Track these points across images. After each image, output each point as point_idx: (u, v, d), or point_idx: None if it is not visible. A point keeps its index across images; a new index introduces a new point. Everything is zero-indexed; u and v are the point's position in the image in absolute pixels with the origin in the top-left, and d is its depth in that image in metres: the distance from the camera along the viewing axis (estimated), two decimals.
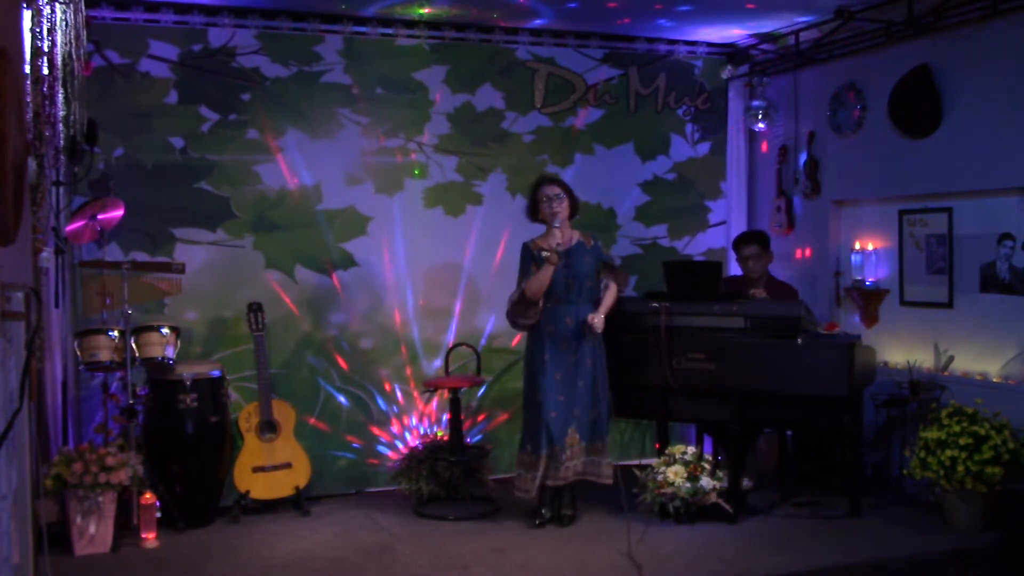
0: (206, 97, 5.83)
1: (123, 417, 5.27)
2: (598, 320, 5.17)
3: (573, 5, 5.81)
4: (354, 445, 6.14)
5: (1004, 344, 5.35)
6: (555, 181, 5.35)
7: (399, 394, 6.25)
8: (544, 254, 5.08)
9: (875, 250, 6.18)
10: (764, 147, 7.03)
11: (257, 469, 5.50)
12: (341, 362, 6.13)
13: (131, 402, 5.22)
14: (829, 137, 6.41)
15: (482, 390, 6.37)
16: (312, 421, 6.03)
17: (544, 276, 5.11)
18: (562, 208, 5.18)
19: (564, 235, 5.18)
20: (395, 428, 6.24)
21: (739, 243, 6.21)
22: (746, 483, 5.56)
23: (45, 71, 3.33)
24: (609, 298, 5.30)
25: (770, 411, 5.41)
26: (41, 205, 4.00)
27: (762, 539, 4.99)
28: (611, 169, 6.74)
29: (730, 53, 6.97)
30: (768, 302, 5.75)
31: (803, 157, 6.56)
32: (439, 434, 6.17)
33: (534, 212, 5.30)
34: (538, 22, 6.31)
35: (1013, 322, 5.29)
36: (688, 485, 5.17)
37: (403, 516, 5.53)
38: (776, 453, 6.02)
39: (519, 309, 5.24)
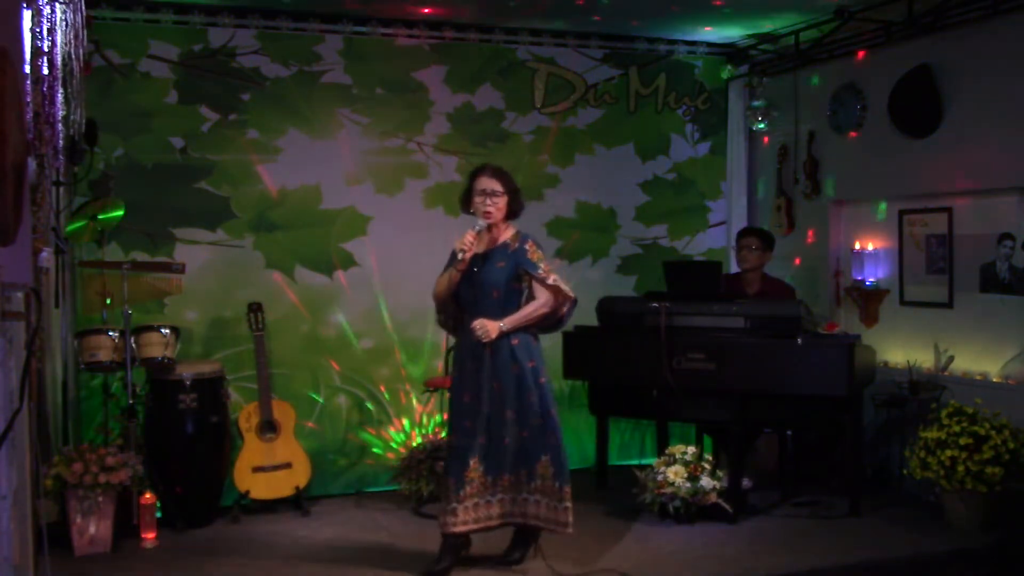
0: (206, 97, 5.83)
1: (123, 417, 5.27)
2: (478, 323, 4.35)
3: None
4: (354, 445, 6.15)
5: (1004, 344, 5.35)
6: (496, 174, 4.47)
7: (399, 394, 6.25)
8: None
9: (875, 250, 6.18)
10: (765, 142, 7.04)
11: (257, 469, 5.50)
12: (341, 362, 6.13)
13: (131, 402, 5.22)
14: (829, 137, 6.41)
15: None
16: (312, 421, 6.03)
17: (443, 278, 4.52)
18: (495, 208, 4.41)
19: (487, 238, 4.47)
20: (395, 428, 6.24)
21: (742, 234, 6.23)
22: (746, 483, 5.56)
23: (45, 71, 3.32)
24: (527, 310, 4.42)
25: (770, 411, 5.41)
26: (41, 205, 3.99)
27: (762, 539, 4.99)
28: (611, 169, 6.74)
29: (730, 53, 6.97)
30: (768, 302, 5.75)
31: (803, 157, 6.57)
32: (439, 434, 6.17)
33: (467, 203, 4.53)
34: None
35: (1013, 322, 5.29)
36: (688, 485, 5.17)
37: (403, 516, 5.53)
38: (776, 453, 6.01)
39: (438, 306, 4.66)
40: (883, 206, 6.24)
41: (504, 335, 4.37)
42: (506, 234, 4.50)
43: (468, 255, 4.37)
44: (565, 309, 4.54)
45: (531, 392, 4.39)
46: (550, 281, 4.43)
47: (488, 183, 4.43)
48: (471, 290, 4.44)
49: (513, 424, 4.39)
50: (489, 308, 4.40)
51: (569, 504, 4.42)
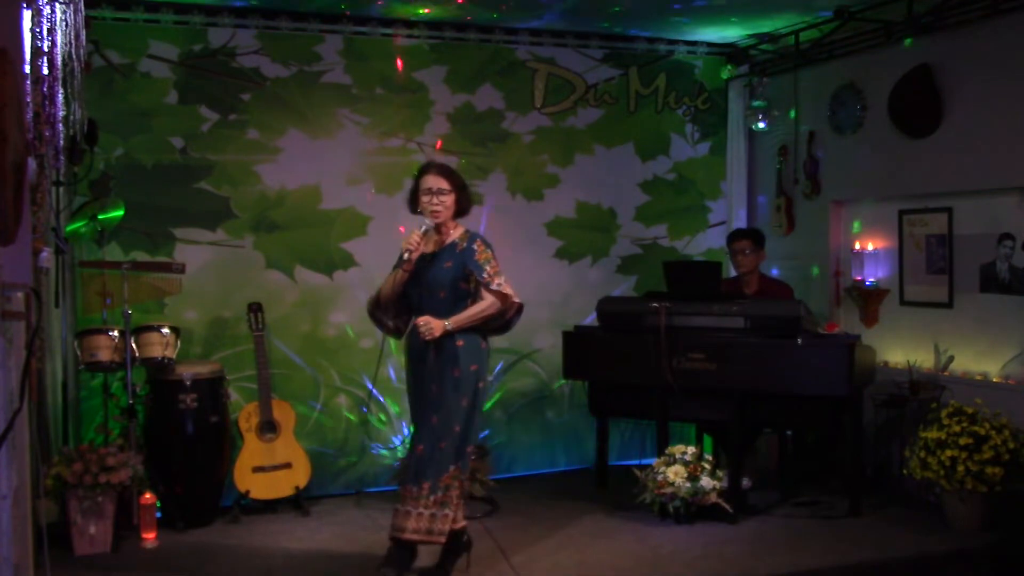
0: (206, 97, 5.83)
1: (123, 417, 5.27)
2: (423, 320, 4.26)
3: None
4: (354, 445, 6.15)
5: (1004, 344, 5.35)
6: (443, 172, 4.38)
7: (399, 394, 6.25)
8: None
9: (875, 250, 6.18)
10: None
11: (257, 469, 5.50)
12: (341, 362, 6.13)
13: (131, 402, 5.22)
14: (829, 137, 6.41)
15: None
16: (312, 421, 6.03)
17: (389, 279, 4.42)
18: (442, 207, 4.32)
19: (435, 237, 4.39)
20: (395, 428, 6.24)
21: (732, 238, 6.22)
22: (746, 483, 5.56)
23: (45, 71, 3.33)
24: (474, 310, 4.31)
25: (770, 411, 5.41)
26: (41, 205, 3.99)
27: (762, 539, 4.99)
28: (611, 169, 6.75)
29: (730, 53, 6.97)
30: (768, 302, 5.75)
31: (803, 157, 6.57)
32: None
33: (414, 203, 4.43)
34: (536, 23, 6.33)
35: (1013, 322, 5.29)
36: (688, 485, 5.17)
37: None
38: (776, 453, 6.01)
39: (377, 305, 4.51)
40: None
41: (449, 334, 4.27)
42: (455, 233, 4.42)
43: (414, 256, 4.30)
44: (512, 313, 4.45)
45: (464, 397, 4.28)
46: (494, 286, 4.32)
47: (434, 181, 4.33)
48: (417, 290, 4.36)
49: (435, 430, 4.26)
50: (436, 308, 4.31)
51: (460, 513, 4.37)
